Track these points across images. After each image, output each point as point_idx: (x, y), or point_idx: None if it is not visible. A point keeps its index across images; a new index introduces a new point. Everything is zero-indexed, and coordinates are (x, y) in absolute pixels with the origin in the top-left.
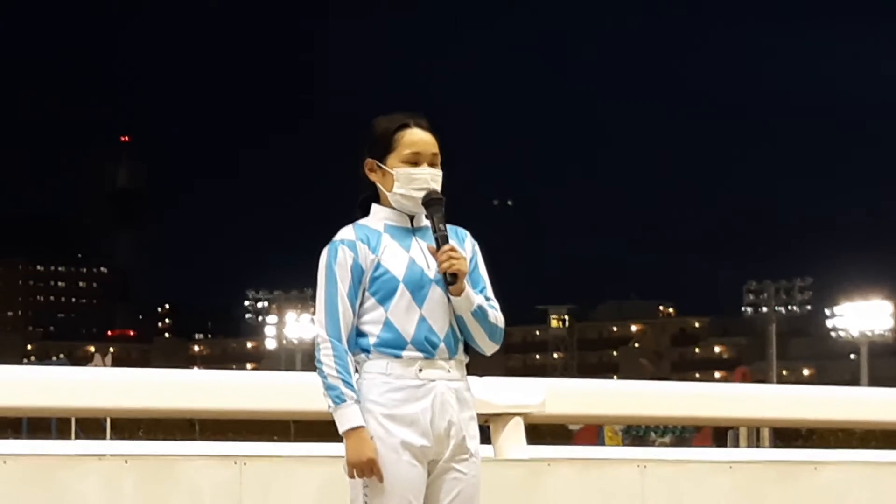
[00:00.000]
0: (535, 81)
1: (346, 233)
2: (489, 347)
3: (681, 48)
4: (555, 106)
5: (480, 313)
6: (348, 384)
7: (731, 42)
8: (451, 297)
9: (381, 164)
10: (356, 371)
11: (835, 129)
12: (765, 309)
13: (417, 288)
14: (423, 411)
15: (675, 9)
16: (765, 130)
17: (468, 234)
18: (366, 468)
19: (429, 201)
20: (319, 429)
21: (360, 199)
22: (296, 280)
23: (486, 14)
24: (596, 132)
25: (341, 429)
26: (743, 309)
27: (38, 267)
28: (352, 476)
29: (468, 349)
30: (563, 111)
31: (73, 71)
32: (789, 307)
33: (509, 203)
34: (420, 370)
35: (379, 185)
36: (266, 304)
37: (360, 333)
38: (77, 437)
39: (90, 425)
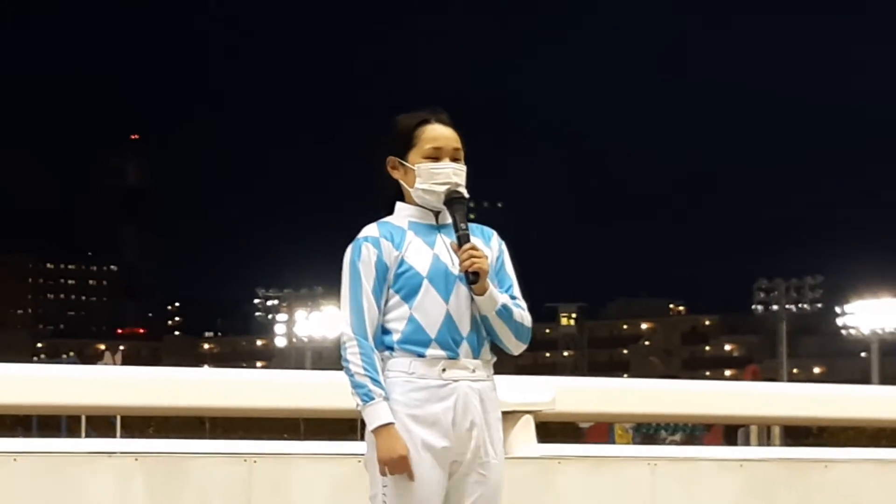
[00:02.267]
0: (541, 80)
1: (370, 230)
2: (516, 347)
3: (685, 46)
4: (562, 104)
5: (505, 313)
6: (376, 381)
7: (738, 39)
8: (475, 297)
9: (402, 161)
10: (382, 369)
11: (846, 126)
12: (775, 307)
13: (442, 284)
14: (444, 411)
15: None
16: (776, 128)
17: (495, 233)
18: (397, 465)
19: (450, 200)
20: (329, 427)
21: (382, 196)
22: (306, 278)
23: (485, 16)
24: (606, 128)
25: (371, 426)
26: (753, 307)
27: (48, 265)
28: (383, 473)
29: (494, 349)
30: (571, 109)
31: (82, 68)
32: (800, 305)
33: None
34: (443, 370)
35: (402, 181)
36: (276, 302)
37: (385, 331)
38: (87, 435)
39: (100, 423)
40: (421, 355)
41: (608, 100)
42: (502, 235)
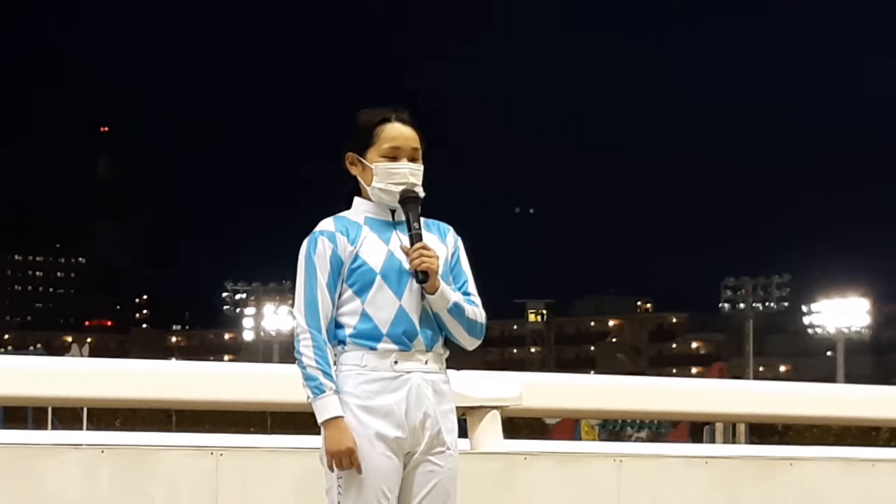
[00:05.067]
0: (523, 84)
1: (326, 224)
2: (469, 343)
3: (670, 50)
4: (539, 107)
5: (457, 310)
6: (327, 375)
7: (722, 43)
8: (426, 295)
9: (361, 158)
10: (334, 363)
11: (813, 128)
12: (742, 305)
13: (395, 281)
14: (397, 403)
15: (663, 14)
16: (744, 128)
17: (451, 228)
18: (345, 458)
19: (405, 199)
20: (296, 420)
21: (346, 191)
22: (274, 272)
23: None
24: (574, 129)
25: (320, 419)
26: (721, 305)
27: (17, 256)
28: (330, 467)
29: (448, 343)
30: (547, 112)
31: (52, 60)
32: (767, 304)
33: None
34: (395, 362)
35: (359, 178)
36: (244, 295)
37: (338, 325)
38: (54, 427)
39: (67, 415)
40: (372, 348)
41: (588, 102)
42: (476, 232)
